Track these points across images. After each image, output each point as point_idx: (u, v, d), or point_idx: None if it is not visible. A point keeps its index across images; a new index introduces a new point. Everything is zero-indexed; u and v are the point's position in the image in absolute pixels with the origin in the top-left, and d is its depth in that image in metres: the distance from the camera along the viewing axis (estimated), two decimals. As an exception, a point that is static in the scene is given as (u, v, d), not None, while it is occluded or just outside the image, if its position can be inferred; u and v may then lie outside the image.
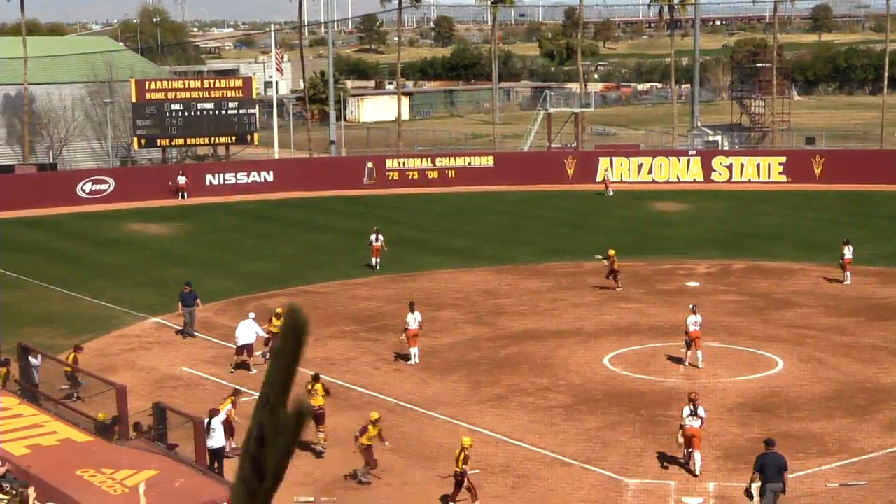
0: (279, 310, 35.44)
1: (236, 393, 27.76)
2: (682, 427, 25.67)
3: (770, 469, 22.57)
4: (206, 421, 24.72)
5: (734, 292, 44.04)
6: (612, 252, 44.22)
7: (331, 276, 47.61)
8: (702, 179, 73.59)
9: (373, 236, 48.88)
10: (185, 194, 69.10)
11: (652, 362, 33.88)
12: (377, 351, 36.40)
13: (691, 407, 25.70)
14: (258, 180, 73.32)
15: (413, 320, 34.66)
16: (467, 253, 52.18)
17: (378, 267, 48.37)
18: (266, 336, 34.68)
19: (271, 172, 73.90)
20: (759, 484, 22.64)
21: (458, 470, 23.50)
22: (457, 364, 34.64)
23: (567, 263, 50.18)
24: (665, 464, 25.75)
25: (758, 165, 73.70)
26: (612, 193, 69.63)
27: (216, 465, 24.23)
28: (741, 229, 58.47)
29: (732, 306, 41.56)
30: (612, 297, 43.35)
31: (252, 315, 34.93)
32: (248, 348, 34.04)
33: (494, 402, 30.28)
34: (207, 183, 72.25)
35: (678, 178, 73.94)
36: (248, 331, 34.10)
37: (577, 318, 40.40)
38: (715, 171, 73.86)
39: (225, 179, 72.90)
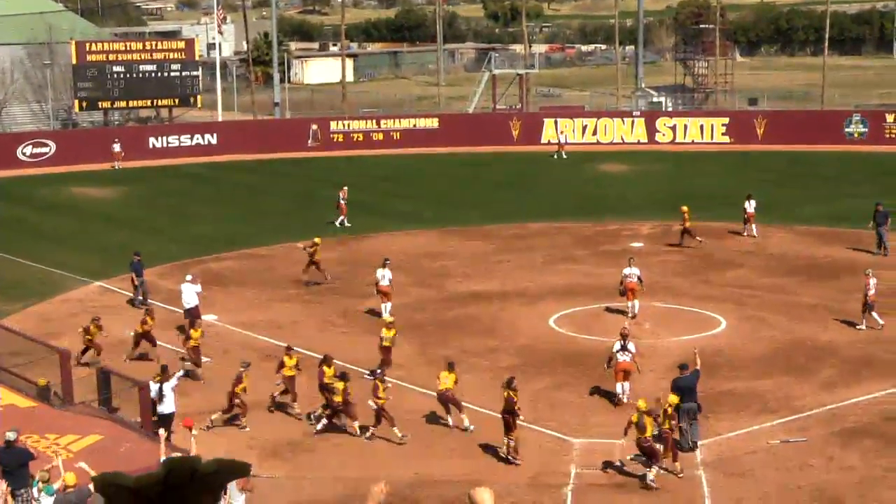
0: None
1: (288, 349, 28.22)
2: (610, 360, 27.58)
3: (685, 391, 24.38)
4: (158, 386, 24.59)
5: (677, 252, 44.36)
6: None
7: (276, 239, 47.41)
8: (646, 141, 73.92)
9: (340, 194, 49.29)
10: (118, 165, 66.92)
11: (597, 322, 34.13)
12: (323, 314, 36.34)
13: (622, 342, 27.44)
14: (202, 143, 72.68)
15: (383, 276, 35.08)
16: (412, 215, 52.13)
17: (340, 224, 49.07)
18: (201, 291, 34.22)
19: (215, 135, 73.29)
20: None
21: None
22: (404, 326, 34.58)
23: (512, 225, 50.26)
24: (611, 420, 26.00)
25: (701, 126, 74.12)
26: (565, 156, 69.74)
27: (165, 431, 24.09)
28: (684, 190, 58.82)
29: (675, 266, 41.89)
30: (557, 259, 43.51)
31: (189, 277, 34.48)
32: (195, 311, 33.70)
33: (441, 364, 30.35)
34: (150, 146, 71.50)
35: (622, 139, 74.22)
36: (189, 293, 33.75)
37: (523, 279, 40.54)
38: (659, 132, 74.19)
39: (168, 142, 72.19)
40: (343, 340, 32.95)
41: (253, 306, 37.09)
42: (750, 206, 46.85)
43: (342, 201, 49.37)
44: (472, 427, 25.55)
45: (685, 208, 44.48)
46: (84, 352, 30.94)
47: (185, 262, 43.44)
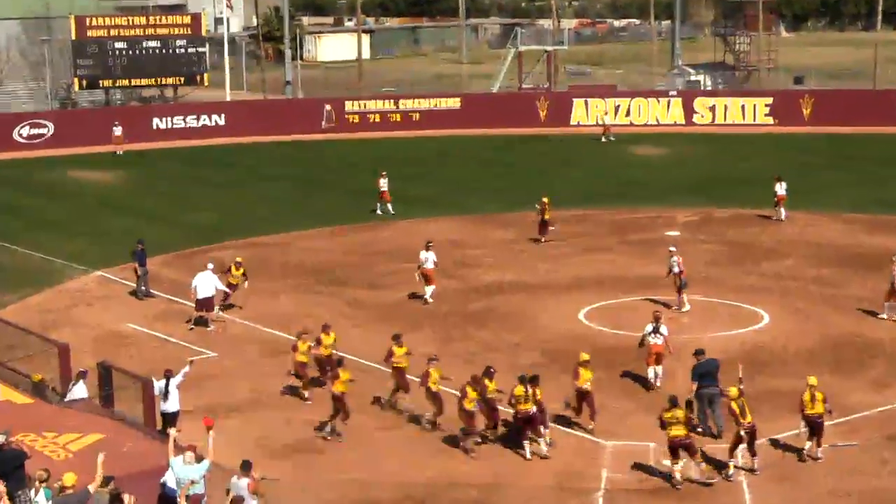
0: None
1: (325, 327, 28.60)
2: (642, 343, 28.58)
3: (704, 377, 25.40)
4: (163, 383, 24.64)
5: (716, 241, 44.20)
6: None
7: (285, 227, 47.45)
8: (683, 122, 73.61)
9: (382, 181, 49.44)
10: (121, 150, 66.66)
11: (630, 317, 33.98)
12: (335, 305, 36.36)
13: (654, 324, 28.42)
14: (208, 124, 72.76)
15: (426, 259, 36.00)
16: (432, 201, 52.05)
17: (380, 212, 49.10)
18: (225, 289, 34.56)
19: (222, 116, 73.35)
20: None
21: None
22: (422, 319, 34.71)
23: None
24: (646, 424, 25.91)
25: (742, 107, 73.77)
26: (613, 138, 69.69)
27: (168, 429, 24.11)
28: (724, 175, 58.60)
29: (714, 256, 41.73)
30: (587, 249, 43.44)
31: (210, 265, 34.73)
32: (208, 303, 33.89)
33: (466, 358, 30.33)
34: (154, 127, 71.62)
35: (657, 120, 73.93)
36: (207, 284, 33.91)
37: (550, 270, 40.47)
38: (697, 113, 73.88)
39: (173, 123, 72.29)
40: (355, 334, 32.94)
41: (260, 298, 37.14)
42: (780, 188, 47.13)
43: (384, 188, 49.38)
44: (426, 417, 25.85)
45: (546, 199, 43.92)
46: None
47: (190, 250, 43.59)
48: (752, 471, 23.43)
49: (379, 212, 49.38)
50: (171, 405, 24.73)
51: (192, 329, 33.73)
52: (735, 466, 23.41)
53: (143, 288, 37.43)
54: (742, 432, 23.19)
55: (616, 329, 33.27)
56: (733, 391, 23.47)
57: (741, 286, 37.66)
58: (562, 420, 26.12)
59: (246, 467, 19.42)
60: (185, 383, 25.51)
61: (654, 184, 56.62)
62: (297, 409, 27.54)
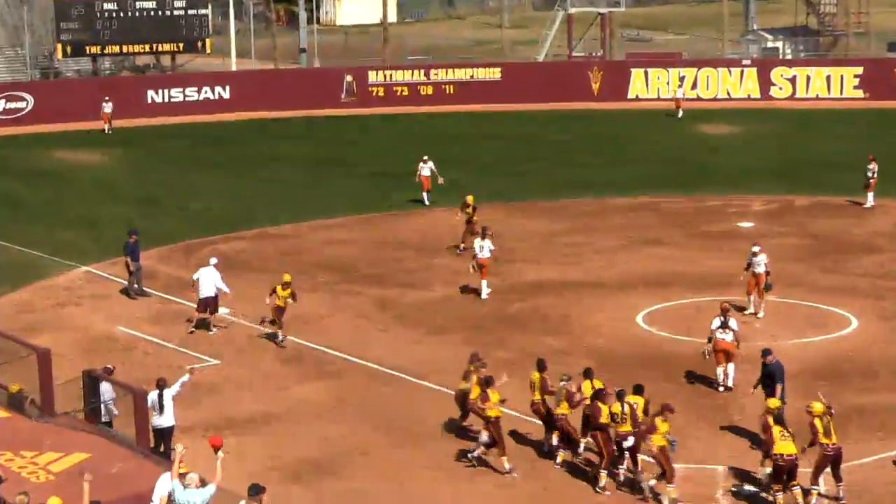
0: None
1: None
2: (710, 339, 28.71)
3: (764, 380, 25.87)
4: (156, 394, 24.67)
5: (796, 234, 44.05)
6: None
7: (300, 216, 47.57)
8: (758, 96, 73.41)
9: (421, 164, 49.53)
10: (110, 128, 67.26)
11: (696, 320, 33.84)
12: (357, 306, 36.41)
13: (721, 318, 28.66)
14: (211, 97, 73.03)
15: (482, 248, 36.38)
16: (467, 187, 51.87)
17: (428, 202, 49.25)
18: (224, 288, 34.41)
19: (227, 88, 73.60)
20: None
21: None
22: (455, 322, 34.72)
23: (589, 200, 50.21)
24: (712, 443, 25.83)
25: (827, 78, 73.47)
26: (681, 115, 69.60)
27: (163, 448, 24.21)
28: (806, 157, 58.31)
29: (795, 251, 41.52)
30: (646, 242, 43.33)
31: (214, 260, 34.78)
32: (212, 303, 34.00)
33: (501, 368, 30.26)
34: (149, 101, 71.95)
35: (729, 93, 73.74)
36: (211, 281, 34.04)
37: (603, 266, 40.42)
38: (774, 85, 73.64)
39: (171, 96, 72.60)
40: (382, 340, 32.96)
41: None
42: (872, 170, 47.14)
43: (424, 173, 49.32)
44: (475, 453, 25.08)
45: (470, 198, 42.48)
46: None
47: (191, 242, 43.73)
48: (837, 499, 23.28)
49: (427, 202, 49.35)
50: (166, 419, 24.69)
51: (192, 332, 33.84)
52: (819, 494, 23.28)
53: (136, 285, 37.56)
54: (826, 455, 23.02)
55: (680, 334, 33.15)
56: (817, 407, 23.24)
57: (824, 286, 37.44)
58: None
59: (255, 492, 19.44)
60: (183, 395, 25.54)
61: (725, 167, 56.43)
62: (313, 424, 27.53)
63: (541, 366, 25.71)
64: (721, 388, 28.76)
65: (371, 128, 68.01)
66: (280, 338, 32.56)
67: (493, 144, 63.41)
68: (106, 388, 25.12)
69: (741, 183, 52.41)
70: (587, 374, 25.45)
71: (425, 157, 49.68)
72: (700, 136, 64.95)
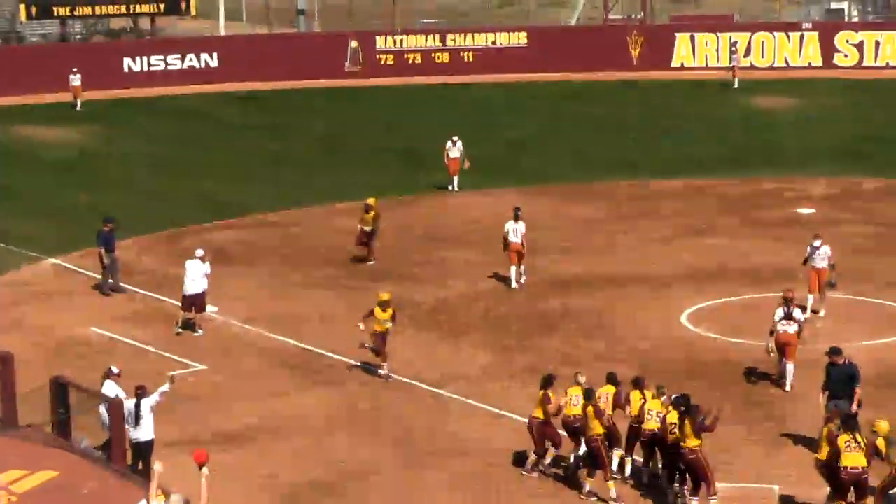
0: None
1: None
2: (772, 332, 28.84)
3: (835, 384, 25.54)
4: (133, 404, 24.59)
5: (863, 221, 43.98)
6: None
7: (300, 201, 47.65)
8: (820, 64, 73.18)
9: (449, 144, 49.25)
10: (79, 103, 67.11)
11: (749, 320, 33.75)
12: (366, 304, 36.23)
13: (785, 308, 28.89)
14: (197, 66, 73.02)
15: (514, 231, 36.88)
16: (490, 167, 51.85)
17: (456, 188, 49.24)
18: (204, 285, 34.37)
19: (215, 55, 73.55)
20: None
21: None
22: (476, 323, 34.70)
23: (628, 183, 50.28)
24: (765, 460, 25.75)
25: (900, 43, 73.33)
26: (737, 85, 69.72)
27: (140, 464, 24.18)
28: (875, 133, 58.11)
29: (862, 241, 41.38)
30: (694, 231, 43.22)
31: (200, 252, 34.67)
32: (199, 301, 33.97)
33: (528, 376, 30.23)
34: (125, 69, 71.91)
35: (787, 62, 73.54)
36: (198, 275, 34.03)
37: (644, 258, 40.34)
38: (839, 52, 73.39)
39: (150, 65, 72.55)
40: (393, 342, 32.82)
41: (267, 294, 37.21)
42: None
43: (453, 154, 49.15)
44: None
45: (372, 200, 40.49)
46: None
47: (175, 231, 43.76)
48: None
49: (452, 188, 49.25)
50: (144, 432, 24.57)
51: (179, 334, 33.83)
52: None
53: (110, 280, 37.55)
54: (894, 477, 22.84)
55: (731, 336, 33.07)
56: (882, 426, 23.04)
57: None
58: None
59: None
60: (164, 405, 25.47)
61: (783, 146, 56.33)
62: (313, 438, 27.45)
63: (613, 380, 25.38)
64: (779, 383, 29.05)
65: (380, 101, 67.89)
66: (385, 372, 30.59)
67: (518, 119, 63.36)
68: (109, 387, 25.05)
69: (801, 163, 52.38)
70: (636, 383, 25.23)
71: (454, 137, 49.38)
72: (754, 110, 64.76)
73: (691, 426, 23.08)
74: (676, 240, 42.39)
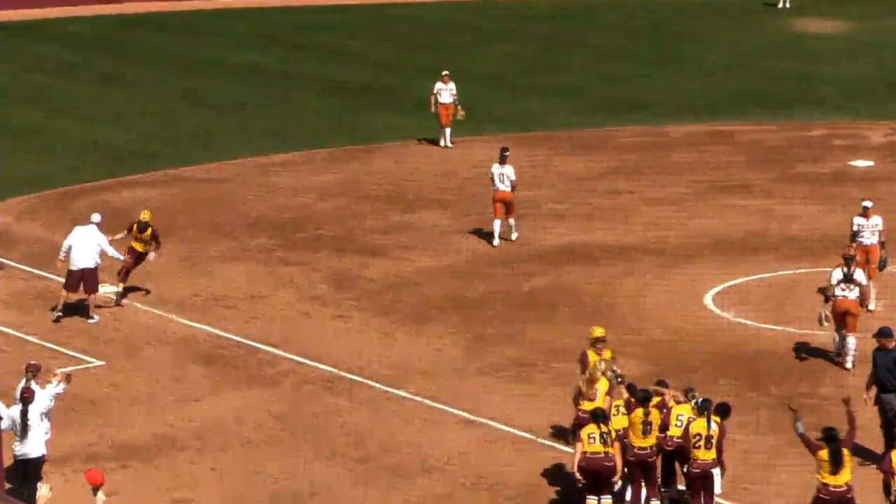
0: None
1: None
2: (828, 299, 29.50)
3: (882, 371, 25.89)
4: (18, 411, 24.39)
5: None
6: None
7: (228, 152, 47.58)
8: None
9: (439, 85, 48.47)
10: None
11: (789, 302, 33.79)
12: (304, 283, 36.21)
13: (845, 270, 29.35)
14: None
15: (501, 177, 37.38)
16: (465, 109, 51.67)
17: (449, 143, 48.51)
18: (118, 256, 34.05)
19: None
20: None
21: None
22: (444, 305, 34.59)
23: (640, 128, 50.28)
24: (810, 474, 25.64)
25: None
26: (789, 5, 70.20)
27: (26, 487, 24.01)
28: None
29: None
30: (721, 188, 43.18)
31: (96, 217, 34.34)
32: (89, 278, 33.54)
33: (510, 372, 30.18)
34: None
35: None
36: (88, 247, 33.57)
37: (656, 223, 40.29)
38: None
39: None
40: (339, 331, 32.76)
41: (183, 269, 37.03)
42: None
43: (444, 99, 48.20)
44: None
45: (146, 214, 35.09)
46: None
47: (70, 189, 43.61)
48: None
49: (444, 144, 48.56)
50: (33, 447, 24.51)
51: (58, 320, 33.50)
52: None
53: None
54: None
55: (766, 321, 33.05)
56: None
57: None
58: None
59: None
60: (56, 410, 25.31)
61: (832, 80, 56.52)
62: (239, 451, 27.34)
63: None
64: (838, 361, 29.50)
65: (323, 23, 67.81)
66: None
67: (501, 48, 63.54)
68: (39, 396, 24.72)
69: (855, 103, 52.49)
70: (660, 386, 25.24)
71: (445, 73, 48.53)
72: (796, 35, 65.00)
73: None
74: (698, 200, 42.37)
